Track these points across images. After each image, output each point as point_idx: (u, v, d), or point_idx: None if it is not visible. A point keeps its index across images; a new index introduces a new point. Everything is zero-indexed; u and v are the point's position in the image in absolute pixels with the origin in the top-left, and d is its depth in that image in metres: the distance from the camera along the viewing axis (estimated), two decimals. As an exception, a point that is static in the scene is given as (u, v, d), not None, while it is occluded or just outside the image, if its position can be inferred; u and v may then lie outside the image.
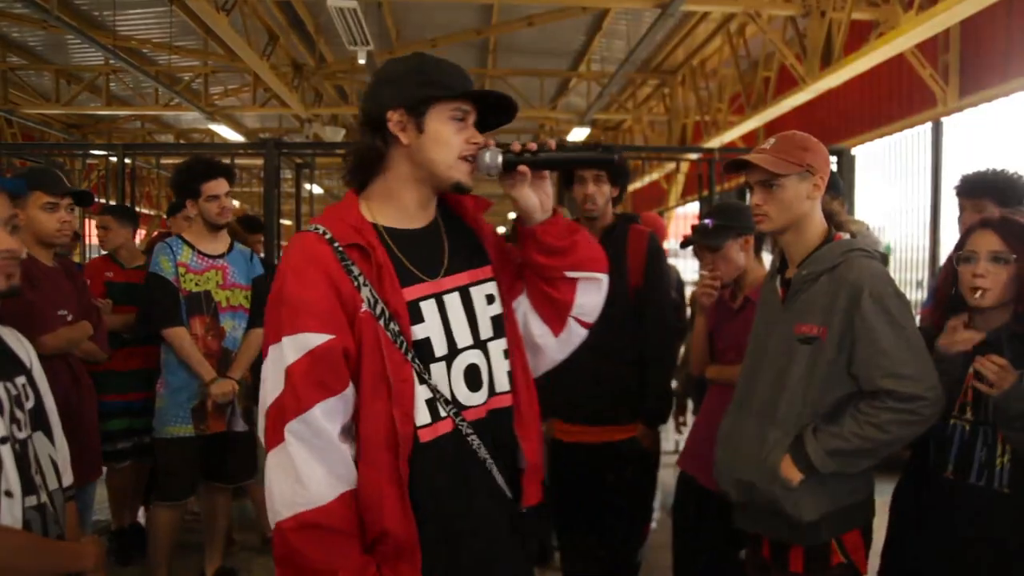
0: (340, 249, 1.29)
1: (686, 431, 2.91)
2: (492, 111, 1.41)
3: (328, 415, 1.25)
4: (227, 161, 7.80)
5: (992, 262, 1.75)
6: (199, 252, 3.06)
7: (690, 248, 2.71)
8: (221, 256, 3.11)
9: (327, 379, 1.25)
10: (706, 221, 2.52)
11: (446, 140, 1.33)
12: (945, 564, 1.81)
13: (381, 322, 1.28)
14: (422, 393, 1.30)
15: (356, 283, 1.28)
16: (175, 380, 2.99)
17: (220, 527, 3.32)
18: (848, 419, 1.73)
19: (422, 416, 1.30)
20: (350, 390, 1.28)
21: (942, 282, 1.94)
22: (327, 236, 1.30)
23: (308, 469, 1.23)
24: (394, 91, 1.34)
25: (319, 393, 1.24)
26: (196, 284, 3.02)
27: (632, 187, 12.34)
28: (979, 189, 2.61)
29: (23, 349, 1.52)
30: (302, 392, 1.24)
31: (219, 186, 3.03)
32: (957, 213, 2.71)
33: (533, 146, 1.38)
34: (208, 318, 3.03)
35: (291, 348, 1.25)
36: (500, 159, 1.36)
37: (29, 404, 1.47)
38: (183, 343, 2.95)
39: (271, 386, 1.26)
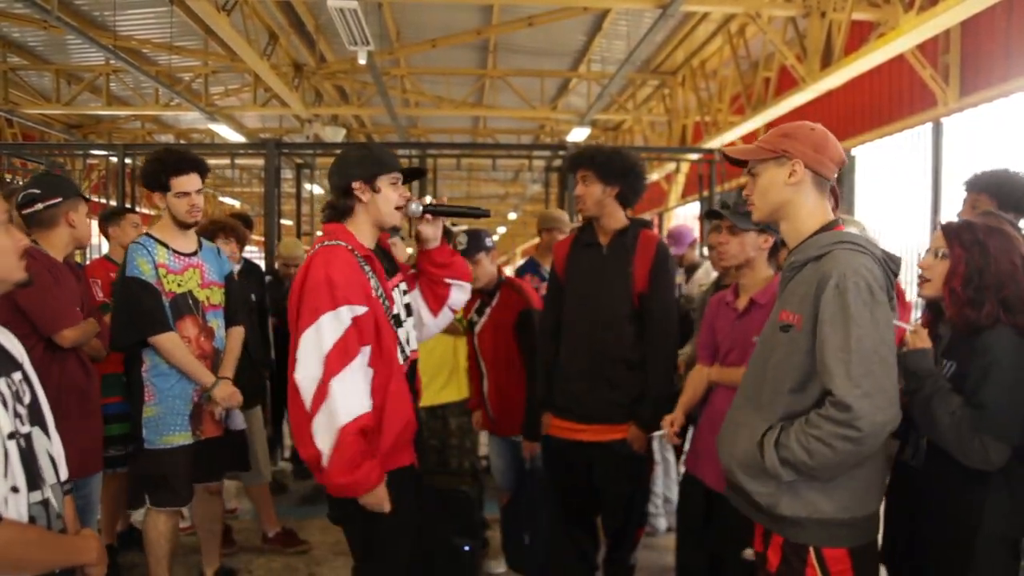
0: (359, 256, 2.07)
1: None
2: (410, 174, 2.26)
3: (364, 358, 1.99)
4: (227, 161, 7.87)
5: (934, 257, 1.97)
6: (174, 251, 2.87)
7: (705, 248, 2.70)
8: (194, 254, 2.95)
9: (364, 334, 1.99)
10: (740, 203, 2.49)
11: (389, 198, 2.12)
12: (899, 542, 1.99)
13: (381, 302, 2.07)
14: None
15: (369, 277, 2.06)
16: (165, 386, 2.82)
17: (216, 531, 3.26)
18: (797, 426, 1.64)
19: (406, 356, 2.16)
20: (369, 347, 2.01)
21: None
22: (349, 248, 2.06)
23: (366, 387, 1.99)
24: (355, 171, 2.11)
25: (362, 341, 1.98)
26: (178, 285, 2.85)
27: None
28: (980, 184, 2.63)
29: (13, 346, 1.53)
30: (358, 340, 1.97)
31: (190, 182, 2.83)
32: (958, 211, 2.72)
33: (433, 201, 2.24)
34: (199, 318, 2.90)
35: (347, 313, 1.96)
36: (420, 209, 2.19)
37: (27, 399, 1.49)
38: (176, 349, 2.78)
39: (331, 336, 1.94)
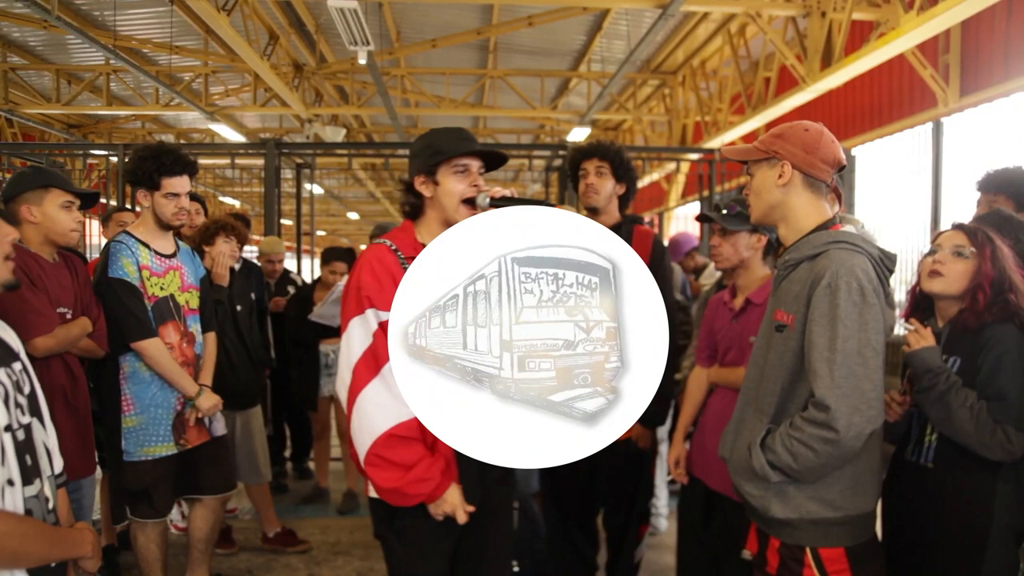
0: (402, 256, 1.87)
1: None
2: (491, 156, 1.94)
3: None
4: (227, 161, 7.86)
5: (953, 255, 1.94)
6: (156, 252, 2.76)
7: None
8: (174, 255, 2.84)
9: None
10: (731, 204, 2.52)
11: (450, 190, 1.88)
12: (903, 540, 2.00)
13: None
14: None
15: None
16: (146, 395, 2.71)
17: (212, 539, 3.10)
18: (782, 429, 1.64)
19: None
20: None
21: (915, 283, 2.10)
22: (393, 247, 1.89)
23: (400, 396, 1.70)
24: (417, 163, 1.93)
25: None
26: (161, 288, 2.74)
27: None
28: (995, 184, 2.61)
29: (10, 337, 1.53)
30: (386, 346, 1.72)
31: (181, 183, 2.73)
32: (965, 212, 2.71)
33: (503, 193, 1.90)
34: (181, 324, 2.79)
35: (373, 318, 1.82)
36: (488, 201, 1.88)
37: (27, 390, 1.49)
38: (162, 356, 2.67)
39: (359, 342, 1.82)
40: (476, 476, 1.87)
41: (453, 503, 1.82)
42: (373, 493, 1.91)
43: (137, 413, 2.71)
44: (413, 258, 1.80)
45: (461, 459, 1.82)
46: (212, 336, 3.00)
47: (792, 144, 1.73)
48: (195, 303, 2.91)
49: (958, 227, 2.00)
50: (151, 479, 2.72)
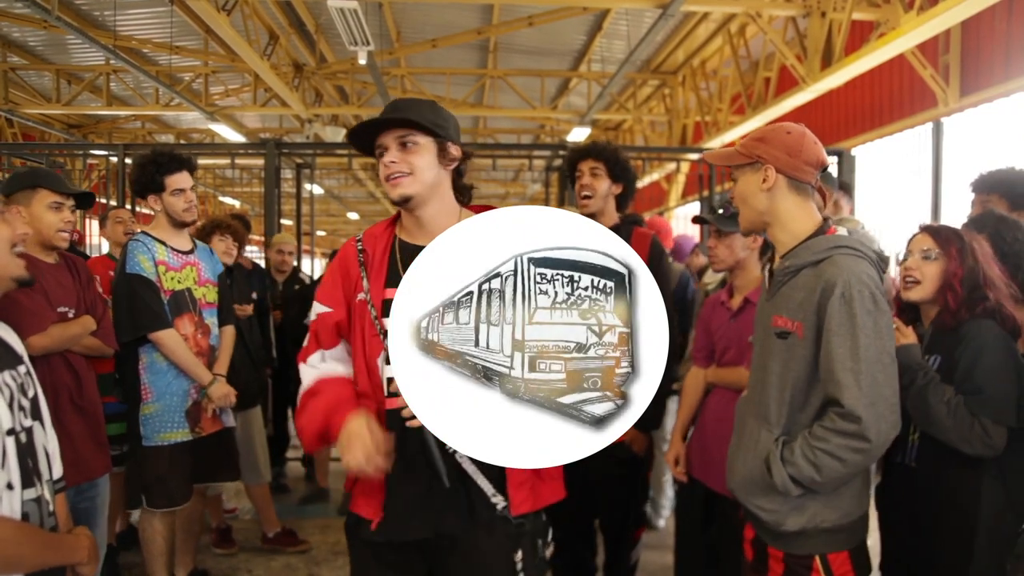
0: (360, 247, 1.76)
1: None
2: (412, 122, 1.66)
3: (320, 360, 1.75)
4: (227, 161, 7.88)
5: (923, 259, 2.00)
6: (173, 249, 2.92)
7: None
8: (191, 252, 3.00)
9: (321, 337, 1.75)
10: (726, 205, 2.51)
11: (381, 173, 1.70)
12: (896, 540, 2.04)
13: (369, 308, 1.68)
14: (387, 371, 1.64)
15: (364, 275, 1.72)
16: (162, 383, 2.84)
17: (194, 532, 3.22)
18: (801, 441, 1.61)
19: (389, 388, 1.65)
20: (337, 350, 1.76)
21: (897, 289, 2.12)
22: (357, 239, 1.78)
23: (317, 372, 1.73)
24: None
25: (316, 344, 1.75)
26: (178, 282, 2.89)
27: (632, 187, 12.32)
28: (988, 184, 2.62)
29: (14, 340, 1.53)
30: (314, 339, 1.75)
31: (183, 179, 2.88)
32: (960, 212, 2.72)
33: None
34: (196, 316, 2.93)
35: (313, 311, 1.77)
36: None
37: (30, 393, 1.49)
38: (177, 346, 2.81)
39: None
40: (435, 504, 1.64)
41: (354, 455, 1.52)
42: None
43: (154, 400, 2.84)
44: (364, 251, 1.75)
45: (398, 478, 1.63)
46: (230, 329, 3.11)
47: (775, 148, 1.70)
48: (212, 297, 3.02)
49: (924, 229, 2.04)
50: (167, 464, 2.83)
